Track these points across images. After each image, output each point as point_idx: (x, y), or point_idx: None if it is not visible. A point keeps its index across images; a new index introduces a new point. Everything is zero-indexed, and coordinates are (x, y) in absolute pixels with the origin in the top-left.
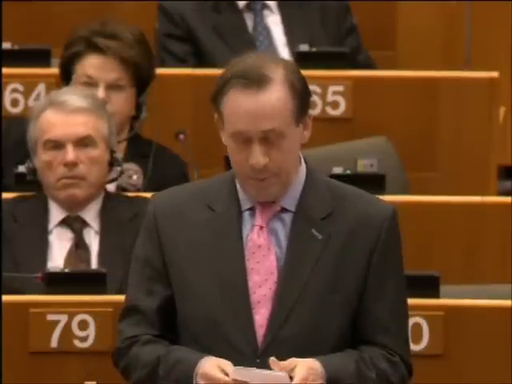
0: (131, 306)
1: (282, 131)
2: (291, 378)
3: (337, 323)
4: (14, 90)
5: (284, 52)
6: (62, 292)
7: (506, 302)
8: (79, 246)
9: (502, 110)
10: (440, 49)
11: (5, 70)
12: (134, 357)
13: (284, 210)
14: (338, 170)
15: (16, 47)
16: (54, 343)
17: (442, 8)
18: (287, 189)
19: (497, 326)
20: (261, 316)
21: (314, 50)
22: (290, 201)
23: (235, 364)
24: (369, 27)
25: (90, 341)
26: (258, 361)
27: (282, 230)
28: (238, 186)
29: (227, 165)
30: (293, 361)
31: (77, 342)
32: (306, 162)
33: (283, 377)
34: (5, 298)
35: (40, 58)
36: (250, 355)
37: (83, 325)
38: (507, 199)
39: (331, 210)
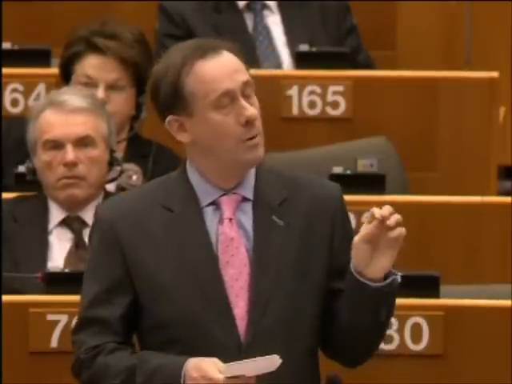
0: (89, 317)
1: (252, 83)
2: None
3: (312, 305)
4: (14, 90)
5: (284, 52)
6: (62, 292)
7: (506, 302)
8: (79, 246)
9: (502, 110)
10: (440, 49)
11: (5, 70)
12: (103, 365)
13: (244, 199)
14: (338, 170)
15: (16, 47)
16: (53, 343)
17: (441, 8)
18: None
19: (497, 326)
20: (240, 309)
21: (314, 50)
22: (248, 189)
23: (220, 361)
24: (369, 27)
25: None
26: (243, 355)
27: (247, 221)
28: (193, 183)
29: None
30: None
31: None
32: None
33: (275, 359)
34: (5, 298)
35: (40, 57)
36: (235, 350)
37: None
38: (507, 199)
39: (285, 196)
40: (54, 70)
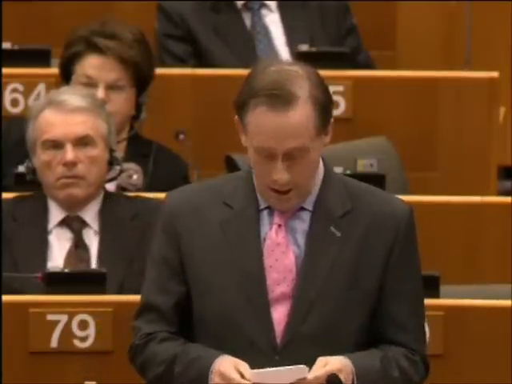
0: (147, 303)
1: (306, 147)
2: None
3: (355, 321)
4: (14, 90)
5: (284, 52)
6: (62, 292)
7: (506, 302)
8: (79, 245)
9: (502, 110)
10: (440, 49)
11: (5, 70)
12: (152, 354)
13: (302, 208)
14: (338, 170)
15: (16, 47)
16: (53, 343)
17: (441, 8)
18: (307, 197)
19: (497, 325)
20: (279, 313)
21: (313, 49)
22: (309, 200)
23: (254, 361)
24: (369, 27)
25: (90, 341)
26: (277, 358)
27: (301, 229)
28: (256, 184)
29: (228, 165)
30: (323, 359)
31: (77, 342)
32: (323, 161)
33: (303, 369)
34: (5, 297)
35: (40, 57)
36: (269, 352)
37: (83, 325)
38: (507, 199)
39: (349, 208)
40: (54, 70)
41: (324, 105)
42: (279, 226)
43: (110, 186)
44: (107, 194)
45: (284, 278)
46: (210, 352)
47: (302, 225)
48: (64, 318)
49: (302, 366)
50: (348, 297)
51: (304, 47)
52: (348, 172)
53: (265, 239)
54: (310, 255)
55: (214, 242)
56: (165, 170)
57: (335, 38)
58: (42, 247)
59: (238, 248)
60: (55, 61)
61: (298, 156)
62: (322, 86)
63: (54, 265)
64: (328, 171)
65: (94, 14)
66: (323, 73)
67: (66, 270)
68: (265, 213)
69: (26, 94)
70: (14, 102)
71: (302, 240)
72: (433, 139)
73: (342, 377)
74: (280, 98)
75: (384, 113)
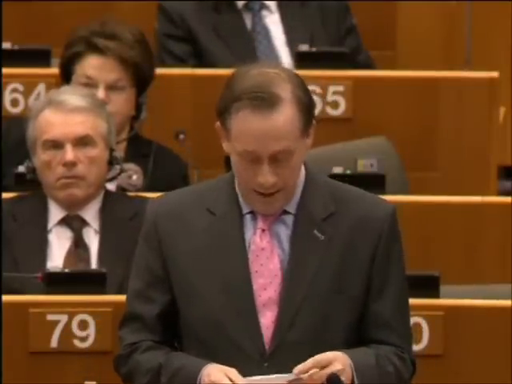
0: (131, 313)
1: (291, 150)
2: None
3: (343, 324)
4: (14, 90)
5: (284, 52)
6: (62, 292)
7: (506, 302)
8: (78, 245)
9: (502, 110)
10: (440, 49)
11: (5, 70)
12: (136, 363)
13: (285, 212)
14: (338, 170)
15: (16, 47)
16: (54, 343)
17: (442, 8)
18: (291, 199)
19: (497, 325)
20: (267, 319)
21: (313, 50)
22: (291, 203)
23: (242, 368)
24: (369, 27)
25: (90, 341)
26: (266, 364)
27: (284, 233)
28: (238, 189)
29: (227, 165)
30: (325, 356)
31: (77, 342)
32: (304, 164)
33: (291, 377)
34: (5, 298)
35: (40, 57)
36: (258, 359)
37: (83, 325)
38: (507, 199)
39: (332, 210)
40: (54, 70)
41: (307, 105)
42: (263, 230)
43: (110, 187)
44: (108, 194)
45: (270, 282)
46: (195, 361)
47: (285, 228)
48: (64, 318)
49: (291, 374)
50: (334, 300)
51: (304, 47)
52: (348, 172)
53: (249, 244)
54: (294, 259)
55: (198, 248)
56: (165, 170)
57: (335, 38)
58: (41, 246)
59: (222, 254)
60: (55, 61)
61: (283, 158)
62: (303, 87)
63: (53, 264)
64: (310, 174)
65: (94, 14)
66: (323, 73)
67: (66, 270)
68: (248, 217)
69: (26, 94)
70: (14, 102)
71: (286, 244)
72: (433, 139)
73: (343, 376)
74: (264, 100)
75: (384, 113)
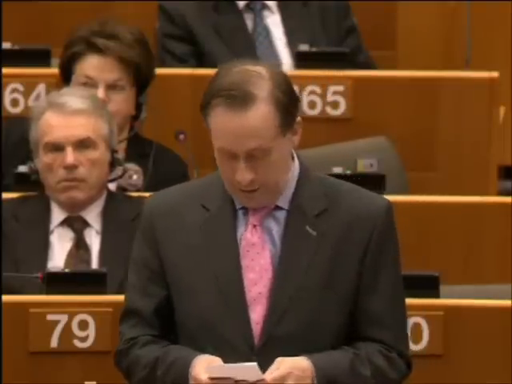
0: (130, 308)
1: (267, 148)
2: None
3: (333, 320)
4: (14, 90)
5: (284, 52)
6: (62, 292)
7: (506, 302)
8: (80, 246)
9: (502, 110)
10: (440, 49)
11: (5, 70)
12: (135, 358)
13: (278, 207)
14: (338, 170)
15: (16, 47)
16: (54, 343)
17: (441, 8)
18: (278, 195)
19: (497, 325)
20: (256, 314)
21: (314, 50)
22: (284, 199)
23: (233, 362)
24: (369, 27)
25: (90, 341)
26: (255, 358)
27: (276, 228)
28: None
29: None
30: (281, 360)
31: (77, 342)
32: (299, 160)
33: (253, 367)
34: (5, 298)
35: (40, 57)
36: (247, 353)
37: (83, 325)
38: (507, 199)
39: (325, 206)
40: (54, 70)
41: (286, 104)
42: (254, 226)
43: (111, 187)
44: (110, 195)
45: (261, 277)
46: (188, 354)
47: (277, 224)
48: (64, 318)
49: (253, 363)
50: (325, 296)
51: (304, 47)
52: (348, 172)
53: (241, 240)
54: (285, 255)
55: (192, 244)
56: (165, 170)
57: (335, 38)
58: (43, 247)
59: (214, 250)
60: (55, 61)
61: (259, 156)
62: (285, 86)
63: (54, 265)
64: (304, 170)
65: (94, 14)
66: (323, 73)
67: (67, 270)
68: (240, 213)
69: (26, 94)
70: (14, 102)
71: (278, 239)
72: (433, 139)
73: (291, 380)
74: (237, 98)
75: (384, 113)
